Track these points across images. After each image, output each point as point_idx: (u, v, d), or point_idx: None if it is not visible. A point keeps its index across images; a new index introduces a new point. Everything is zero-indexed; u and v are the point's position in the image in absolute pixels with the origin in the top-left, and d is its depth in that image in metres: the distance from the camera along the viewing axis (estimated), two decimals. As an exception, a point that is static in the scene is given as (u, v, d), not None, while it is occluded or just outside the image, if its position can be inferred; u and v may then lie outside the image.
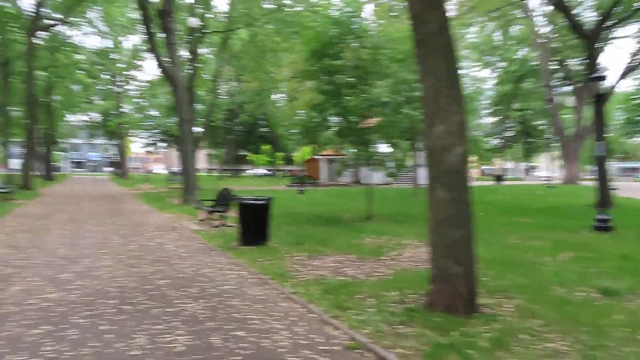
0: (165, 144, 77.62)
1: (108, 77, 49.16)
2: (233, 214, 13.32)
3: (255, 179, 54.65)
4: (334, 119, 13.65)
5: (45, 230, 11.10)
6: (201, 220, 13.08)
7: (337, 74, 12.10)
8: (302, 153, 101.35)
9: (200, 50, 27.13)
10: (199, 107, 36.26)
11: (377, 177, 13.87)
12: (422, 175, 33.19)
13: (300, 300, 5.49)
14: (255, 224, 8.94)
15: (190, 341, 4.19)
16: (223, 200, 12.39)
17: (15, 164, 34.79)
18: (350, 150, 15.20)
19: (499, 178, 48.52)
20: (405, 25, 19.44)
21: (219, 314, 4.97)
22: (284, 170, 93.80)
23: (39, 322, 4.59)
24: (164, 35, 17.41)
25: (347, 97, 12.25)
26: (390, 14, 35.87)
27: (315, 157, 51.48)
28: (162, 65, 16.85)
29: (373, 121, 13.30)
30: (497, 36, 46.14)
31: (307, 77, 15.47)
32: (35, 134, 28.58)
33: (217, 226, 11.70)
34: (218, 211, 12.03)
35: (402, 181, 37.26)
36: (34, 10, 27.08)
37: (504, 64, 50.89)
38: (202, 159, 79.61)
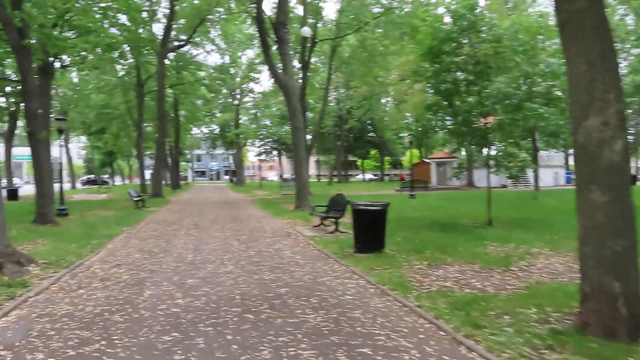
0: (277, 152, 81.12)
1: (226, 91, 52.58)
2: (346, 219, 13.21)
3: (363, 184, 54.48)
4: (448, 119, 12.96)
5: (173, 235, 11.84)
6: (315, 226, 13.12)
7: (456, 71, 11.40)
8: (410, 157, 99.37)
9: (310, 60, 27.69)
10: (309, 115, 37.13)
11: (492, 179, 12.83)
12: (544, 177, 30.57)
13: (427, 315, 5.05)
14: (370, 230, 8.64)
15: (314, 357, 3.98)
16: (336, 205, 12.27)
17: (148, 174, 38.50)
18: (467, 152, 14.33)
19: (633, 179, 43.06)
20: (523, 17, 18.02)
21: (342, 327, 4.71)
22: (392, 174, 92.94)
23: (169, 329, 4.70)
24: (277, 46, 17.96)
25: (466, 95, 11.51)
26: (506, 6, 33.69)
27: (425, 160, 50.13)
28: (276, 76, 17.35)
29: (491, 120, 12.35)
30: (631, 19, 41.15)
31: (420, 78, 14.91)
32: (165, 147, 31.18)
33: (331, 232, 11.60)
34: (332, 217, 11.94)
35: (519, 184, 34.67)
36: (163, 34, 29.73)
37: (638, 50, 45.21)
38: (311, 165, 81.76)
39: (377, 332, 4.57)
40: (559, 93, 12.04)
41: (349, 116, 53.37)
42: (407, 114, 58.99)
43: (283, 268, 7.61)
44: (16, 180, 39.70)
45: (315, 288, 6.25)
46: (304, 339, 4.36)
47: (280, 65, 18.03)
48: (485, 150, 12.81)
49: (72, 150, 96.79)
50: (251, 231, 12.59)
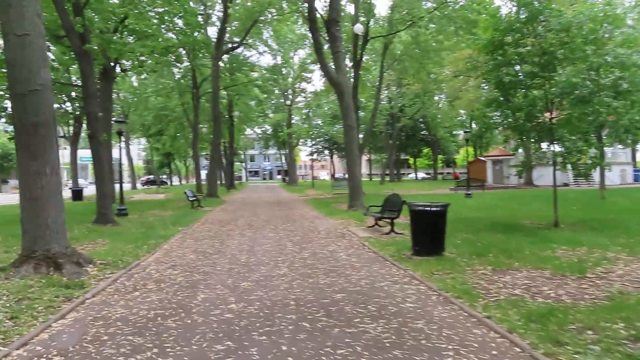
0: (329, 151, 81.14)
1: (279, 91, 53.09)
2: (402, 220, 12.77)
3: (416, 183, 53.42)
4: (507, 115, 12.18)
5: (228, 236, 11.85)
6: (369, 226, 12.76)
7: (519, 63, 10.69)
8: (465, 155, 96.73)
9: (362, 58, 27.29)
10: (360, 114, 36.73)
11: (553, 177, 11.97)
12: (610, 175, 28.59)
13: (498, 327, 4.60)
14: (430, 232, 8.19)
15: (376, 373, 3.66)
16: (392, 205, 11.86)
17: (204, 174, 39.46)
18: (528, 149, 13.47)
19: None
20: (587, 5, 16.77)
21: (405, 339, 4.36)
22: (444, 173, 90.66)
23: (222, 337, 4.51)
24: (329, 44, 17.73)
25: (529, 89, 10.78)
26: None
27: (480, 158, 48.36)
28: (329, 74, 17.12)
29: (556, 115, 11.50)
30: None
31: (477, 73, 14.18)
32: (219, 147, 31.75)
33: (386, 233, 11.20)
34: (387, 217, 11.54)
35: (583, 182, 32.65)
36: (217, 37, 30.28)
37: None
38: (363, 164, 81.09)
39: (444, 346, 4.19)
40: (625, 85, 11.00)
41: (401, 114, 52.43)
42: (460, 111, 57.43)
43: (338, 271, 7.33)
44: (81, 182, 41.71)
45: (373, 294, 5.93)
46: (364, 353, 4.05)
47: (332, 63, 17.80)
48: (548, 147, 11.98)
49: (133, 152, 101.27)
50: (305, 232, 12.41)
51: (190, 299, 5.88)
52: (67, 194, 36.44)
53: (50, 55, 26.24)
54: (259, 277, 7.04)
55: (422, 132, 71.66)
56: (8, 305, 5.58)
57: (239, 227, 13.80)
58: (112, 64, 23.78)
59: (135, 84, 43.16)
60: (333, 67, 17.59)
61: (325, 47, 19.85)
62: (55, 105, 28.53)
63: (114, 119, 17.52)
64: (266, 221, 15.23)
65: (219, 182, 55.82)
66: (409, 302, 5.52)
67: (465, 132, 27.33)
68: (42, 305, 5.58)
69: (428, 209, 8.24)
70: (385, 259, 8.28)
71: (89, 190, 36.03)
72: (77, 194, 27.46)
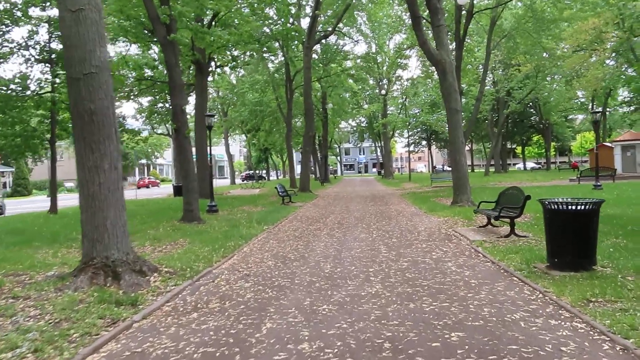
0: (426, 142, 77.66)
1: (373, 82, 51.22)
2: (523, 219, 10.60)
3: (526, 174, 48.67)
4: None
5: (314, 237, 10.49)
6: (481, 227, 10.69)
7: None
8: (581, 141, 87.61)
9: (465, 37, 24.59)
10: (462, 100, 33.71)
11: None
12: None
13: None
14: (574, 238, 6.09)
15: None
16: (511, 201, 9.70)
17: (299, 169, 38.96)
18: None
19: None
20: None
21: None
22: (558, 162, 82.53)
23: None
24: (430, 19, 15.68)
25: None
26: None
27: (606, 144, 42.50)
28: (429, 51, 15.08)
29: None
30: None
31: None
32: (312, 140, 30.81)
33: (505, 236, 9.12)
34: (505, 216, 9.42)
35: None
36: (309, 26, 29.22)
37: None
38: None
39: None
40: None
41: (509, 98, 47.93)
42: (578, 93, 51.22)
43: (449, 291, 5.57)
44: None
45: (505, 335, 4.09)
46: None
47: (431, 40, 15.72)
48: None
49: (235, 149, 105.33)
50: (402, 232, 10.68)
51: (253, 329, 4.50)
52: (169, 189, 38.03)
53: (153, 55, 27.06)
54: (344, 296, 5.51)
55: (532, 118, 65.60)
56: (44, 329, 4.61)
57: (328, 225, 12.42)
58: (207, 59, 23.78)
59: (234, 81, 43.97)
60: (433, 45, 15.51)
61: (424, 24, 17.75)
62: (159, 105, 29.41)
63: (208, 113, 17.03)
64: (358, 219, 13.70)
65: (312, 176, 55.59)
66: (565, 357, 3.64)
67: (593, 113, 23.42)
68: (79, 330, 4.55)
69: (573, 207, 6.12)
70: (510, 273, 6.33)
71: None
72: (179, 189, 27.94)
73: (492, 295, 5.36)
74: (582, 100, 56.62)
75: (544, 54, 33.74)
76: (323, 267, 7.22)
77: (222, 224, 12.71)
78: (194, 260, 7.65)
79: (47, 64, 16.51)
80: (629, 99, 42.64)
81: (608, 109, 52.93)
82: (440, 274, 6.49)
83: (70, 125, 18.07)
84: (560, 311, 4.67)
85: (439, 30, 15.02)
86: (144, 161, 72.30)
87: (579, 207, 6.07)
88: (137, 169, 71.83)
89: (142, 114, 30.66)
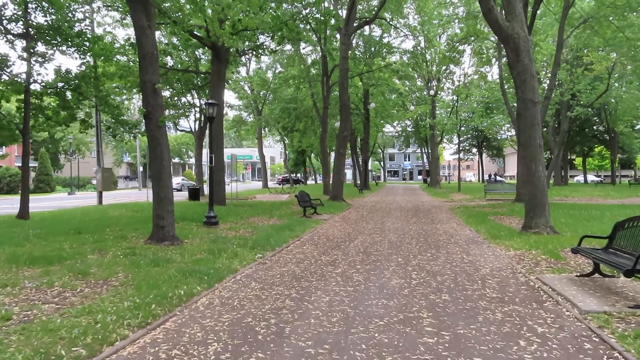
0: (476, 149, 72.24)
1: (421, 83, 46.96)
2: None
3: (590, 187, 43.12)
4: None
5: (321, 279, 6.87)
6: (581, 275, 6.77)
7: None
8: (648, 153, 79.86)
9: (534, 19, 20.32)
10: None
11: None
12: None
13: None
14: None
15: None
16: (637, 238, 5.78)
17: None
18: None
19: None
20: None
21: None
22: (623, 176, 75.12)
23: None
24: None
25: None
26: None
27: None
28: (497, 23, 11.14)
29: None
30: None
31: None
32: (347, 141, 27.10)
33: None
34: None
35: None
36: (347, 8, 25.57)
37: None
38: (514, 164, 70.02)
39: None
40: None
41: (574, 102, 42.49)
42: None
43: None
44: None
45: None
46: None
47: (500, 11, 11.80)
48: None
49: (275, 150, 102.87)
50: (457, 277, 6.91)
51: None
52: (183, 193, 35.12)
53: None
54: None
55: (594, 127, 59.34)
56: None
57: (349, 256, 8.77)
58: (225, 46, 20.61)
59: (271, 77, 40.94)
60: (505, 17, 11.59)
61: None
62: (166, 93, 26.56)
63: (208, 100, 13.82)
64: (393, 246, 9.97)
65: (351, 182, 51.76)
66: None
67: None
68: None
69: None
70: None
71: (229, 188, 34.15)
72: (194, 193, 24.98)
73: None
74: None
75: (624, 50, 28.68)
76: (314, 357, 3.63)
77: (202, 246, 9.29)
78: (70, 342, 4.18)
79: (22, 39, 13.72)
80: None
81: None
82: None
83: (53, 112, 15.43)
84: None
85: (509, 2, 11.11)
86: (177, 160, 70.58)
87: None
88: (171, 169, 70.27)
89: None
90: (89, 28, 17.93)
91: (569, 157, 66.37)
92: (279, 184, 57.52)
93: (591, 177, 76.19)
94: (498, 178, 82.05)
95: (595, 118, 54.78)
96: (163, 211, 9.44)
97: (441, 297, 5.84)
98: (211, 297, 5.87)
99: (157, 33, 22.42)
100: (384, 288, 6.29)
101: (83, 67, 15.44)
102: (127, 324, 4.62)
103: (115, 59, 18.50)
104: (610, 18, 22.36)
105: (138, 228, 11.86)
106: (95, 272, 6.96)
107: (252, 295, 5.96)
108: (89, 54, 15.68)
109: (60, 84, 15.23)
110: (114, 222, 13.29)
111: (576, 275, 6.79)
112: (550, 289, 6.11)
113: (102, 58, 16.50)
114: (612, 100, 44.89)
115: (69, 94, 16.02)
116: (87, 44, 15.12)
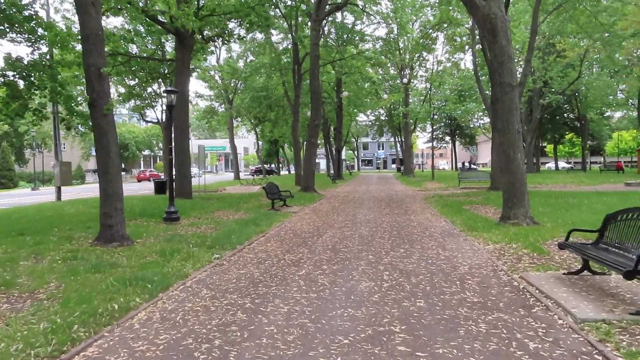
0: (449, 138, 72.44)
1: (394, 71, 46.33)
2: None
3: (562, 174, 43.43)
4: None
5: (282, 283, 6.10)
6: (569, 272, 6.17)
7: None
8: (617, 140, 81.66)
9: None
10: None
11: None
12: None
13: None
14: None
15: None
16: (632, 233, 5.18)
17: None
18: None
19: None
20: None
21: None
22: (593, 162, 76.61)
23: None
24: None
25: None
26: None
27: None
28: (474, 4, 10.48)
29: None
30: None
31: None
32: (318, 130, 26.26)
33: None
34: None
35: None
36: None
37: None
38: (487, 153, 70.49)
39: None
40: None
41: (546, 89, 42.61)
42: (623, 86, 45.64)
43: None
44: (195, 171, 38.38)
45: None
46: None
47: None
48: None
49: (250, 141, 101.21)
50: (433, 277, 6.24)
51: None
52: (150, 184, 33.46)
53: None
54: None
55: (565, 114, 60.02)
56: None
57: (315, 254, 8.01)
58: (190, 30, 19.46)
59: (242, 66, 39.61)
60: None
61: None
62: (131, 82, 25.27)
63: (167, 88, 12.83)
64: (365, 241, 9.27)
65: (325, 172, 51.00)
66: None
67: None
68: None
69: None
70: None
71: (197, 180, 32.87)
72: (160, 186, 23.63)
73: None
74: (621, 96, 50.92)
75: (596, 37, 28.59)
76: None
77: (155, 247, 8.38)
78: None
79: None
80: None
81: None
82: None
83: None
84: None
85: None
86: (147, 152, 68.58)
87: None
88: (141, 161, 68.22)
89: (120, 96, 26.36)
90: (42, 13, 16.61)
91: (540, 145, 67.09)
92: (252, 175, 56.37)
93: (562, 164, 77.44)
94: (472, 166, 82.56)
95: (566, 105, 55.30)
96: (111, 209, 8.49)
97: (416, 303, 5.14)
98: (151, 310, 5.04)
99: (120, 19, 21.06)
100: (351, 293, 5.56)
101: (36, 55, 14.20)
102: (34, 354, 3.76)
103: (73, 46, 17.22)
104: (583, 4, 22.04)
105: (91, 227, 10.83)
106: (23, 282, 6.05)
107: (200, 306, 5.15)
108: (42, 41, 14.48)
109: (10, 73, 13.99)
110: (67, 221, 12.22)
111: (563, 273, 6.19)
112: (537, 291, 5.48)
113: (59, 46, 15.27)
114: (583, 87, 45.32)
115: (21, 83, 14.78)
116: (40, 30, 13.90)
